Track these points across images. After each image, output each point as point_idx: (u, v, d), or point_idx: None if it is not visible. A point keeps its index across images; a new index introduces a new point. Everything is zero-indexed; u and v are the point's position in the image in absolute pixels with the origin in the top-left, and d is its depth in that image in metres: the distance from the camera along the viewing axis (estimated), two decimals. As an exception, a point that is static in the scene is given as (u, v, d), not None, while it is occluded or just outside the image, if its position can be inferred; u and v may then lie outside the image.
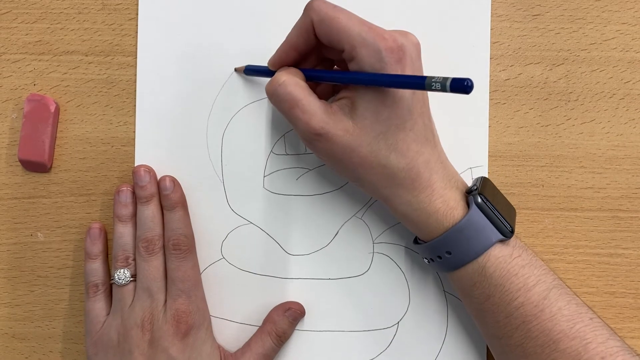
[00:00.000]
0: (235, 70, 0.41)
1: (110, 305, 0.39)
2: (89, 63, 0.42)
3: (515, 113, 0.42)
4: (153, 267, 0.38)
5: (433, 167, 0.35)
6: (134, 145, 0.41)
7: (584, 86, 0.42)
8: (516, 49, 0.42)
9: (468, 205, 0.35)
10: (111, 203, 0.41)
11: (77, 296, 0.42)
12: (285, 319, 0.40)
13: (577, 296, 0.35)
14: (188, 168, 0.41)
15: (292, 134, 0.41)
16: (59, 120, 0.42)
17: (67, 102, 0.42)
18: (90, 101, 0.42)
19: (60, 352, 0.42)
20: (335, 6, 0.34)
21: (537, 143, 0.42)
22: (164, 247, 0.39)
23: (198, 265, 0.40)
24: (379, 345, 0.41)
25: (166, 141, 0.41)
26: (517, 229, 0.41)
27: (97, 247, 0.40)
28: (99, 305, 0.39)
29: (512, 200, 0.41)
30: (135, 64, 0.42)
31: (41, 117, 0.41)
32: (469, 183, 0.38)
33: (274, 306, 0.41)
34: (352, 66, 0.34)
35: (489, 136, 0.42)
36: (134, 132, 0.41)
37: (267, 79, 0.36)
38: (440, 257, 0.36)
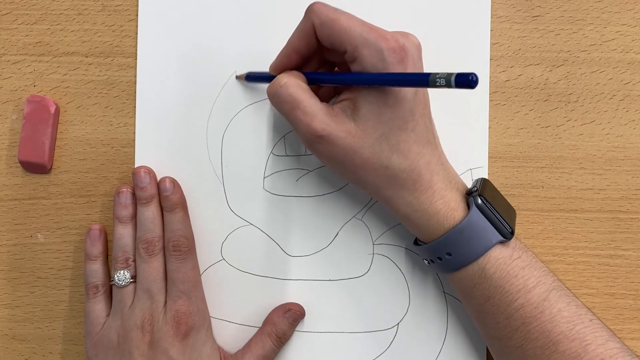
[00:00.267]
0: (237, 78, 0.41)
1: (110, 307, 0.39)
2: (89, 64, 0.42)
3: (515, 114, 0.42)
4: (153, 268, 0.38)
5: (434, 169, 0.35)
6: (134, 146, 0.41)
7: (583, 87, 0.42)
8: (516, 50, 0.42)
9: (468, 206, 0.35)
10: (111, 204, 0.41)
11: (77, 297, 0.42)
12: (285, 320, 0.40)
13: (577, 298, 0.35)
14: (188, 169, 0.41)
15: (292, 135, 0.41)
16: (59, 122, 0.42)
17: (67, 103, 0.42)
18: (90, 102, 0.42)
19: (60, 353, 0.42)
20: (335, 9, 0.34)
21: (537, 144, 0.42)
22: (164, 248, 0.39)
23: (198, 267, 0.40)
24: (379, 347, 0.41)
25: (166, 142, 0.41)
26: (517, 230, 0.41)
27: (97, 249, 0.40)
28: (99, 306, 0.39)
29: (512, 202, 0.41)
30: (135, 65, 0.42)
31: (41, 119, 0.41)
32: (469, 184, 0.38)
33: (274, 307, 0.41)
34: (354, 67, 0.34)
35: (489, 137, 0.42)
36: (134, 133, 0.41)
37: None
38: (440, 259, 0.36)
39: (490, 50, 0.42)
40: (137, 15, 0.42)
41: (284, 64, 0.36)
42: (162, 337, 0.37)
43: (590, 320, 0.34)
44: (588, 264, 0.42)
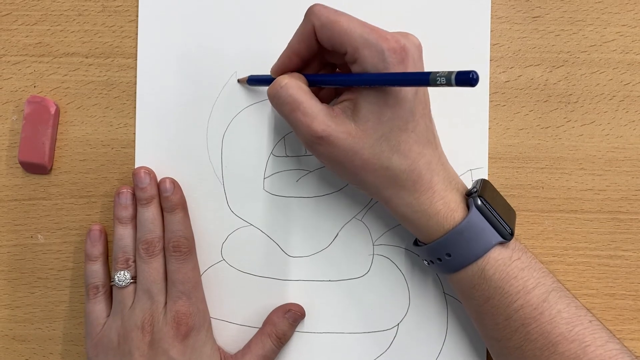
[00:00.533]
0: (238, 81, 0.41)
1: (111, 307, 0.39)
2: (89, 65, 0.42)
3: (515, 115, 0.42)
4: (153, 269, 0.38)
5: (434, 169, 0.35)
6: (134, 147, 0.41)
7: (583, 88, 0.42)
8: (516, 50, 0.42)
9: (468, 207, 0.35)
10: (111, 205, 0.41)
11: (78, 298, 0.42)
12: (285, 321, 0.40)
13: (577, 299, 0.35)
14: (188, 170, 0.41)
15: (292, 136, 0.41)
16: (59, 122, 0.42)
17: (67, 104, 0.42)
18: (90, 103, 0.42)
19: (61, 353, 0.42)
20: (335, 10, 0.34)
21: (537, 145, 0.42)
22: (164, 249, 0.39)
23: (198, 267, 0.40)
24: (379, 347, 0.41)
25: (166, 143, 0.41)
26: (517, 230, 0.41)
27: (97, 249, 0.40)
28: (99, 307, 0.39)
29: (512, 202, 0.41)
30: (136, 65, 0.42)
31: (41, 119, 0.41)
32: (469, 185, 0.38)
33: (274, 308, 0.41)
34: (355, 68, 0.34)
35: (489, 138, 0.42)
36: (134, 134, 0.41)
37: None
38: (440, 259, 0.36)
39: (490, 51, 0.42)
40: (137, 16, 0.42)
41: (285, 66, 0.37)
42: (162, 338, 0.37)
43: (590, 321, 0.34)
44: (588, 265, 0.42)
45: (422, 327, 0.41)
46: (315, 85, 0.36)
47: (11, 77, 0.42)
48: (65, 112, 0.42)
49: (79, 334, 0.42)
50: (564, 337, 0.33)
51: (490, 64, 0.42)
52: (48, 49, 0.42)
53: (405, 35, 0.34)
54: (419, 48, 0.34)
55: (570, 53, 0.42)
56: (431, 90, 0.36)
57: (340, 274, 0.41)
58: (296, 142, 0.41)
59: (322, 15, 0.34)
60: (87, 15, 0.42)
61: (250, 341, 0.40)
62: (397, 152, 0.34)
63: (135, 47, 0.42)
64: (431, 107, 0.36)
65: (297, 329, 0.41)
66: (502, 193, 0.38)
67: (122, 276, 0.38)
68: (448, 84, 0.29)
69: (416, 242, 0.38)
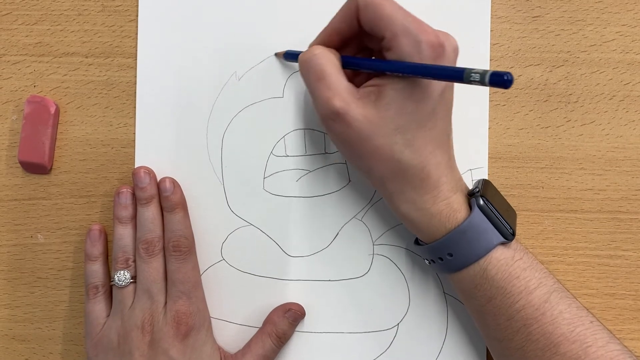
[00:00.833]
0: (275, 55, 0.40)
1: (111, 307, 0.39)
2: (89, 65, 0.42)
3: (515, 115, 0.42)
4: (153, 268, 0.38)
5: (443, 171, 0.35)
6: (134, 146, 0.41)
7: (583, 88, 0.42)
8: (516, 50, 0.42)
9: (470, 207, 0.35)
10: (111, 205, 0.41)
11: (77, 298, 0.42)
12: (285, 320, 0.40)
13: (577, 299, 0.35)
14: (188, 169, 0.41)
15: (292, 136, 0.41)
16: (59, 122, 0.42)
17: (67, 103, 0.42)
18: (90, 103, 0.42)
19: (61, 353, 0.42)
20: None
21: (537, 145, 0.42)
22: (164, 248, 0.39)
23: (198, 267, 0.40)
24: (379, 347, 0.41)
25: (166, 143, 0.41)
26: (517, 230, 0.41)
27: (97, 249, 0.40)
28: (99, 306, 0.39)
29: (512, 202, 0.41)
30: (135, 65, 0.42)
31: (41, 119, 0.41)
32: (470, 185, 0.38)
33: (274, 307, 0.41)
34: (389, 55, 0.34)
35: (489, 138, 0.42)
36: (134, 133, 0.41)
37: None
38: (441, 259, 0.36)
39: (490, 51, 0.42)
40: (137, 15, 0.42)
41: (323, 43, 0.36)
42: (162, 338, 0.37)
43: (591, 322, 0.34)
44: (588, 265, 0.42)
45: (422, 326, 0.41)
46: (349, 68, 0.36)
47: (11, 77, 0.42)
48: (65, 111, 0.42)
49: (79, 333, 0.42)
50: (566, 337, 0.33)
51: (490, 64, 0.42)
52: (48, 49, 0.42)
53: (446, 34, 0.34)
54: (455, 51, 0.34)
55: (570, 53, 0.42)
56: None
57: (340, 273, 0.41)
58: (296, 142, 0.41)
59: None
60: (87, 15, 0.42)
61: (250, 341, 0.40)
62: (410, 147, 0.34)
63: (135, 46, 0.42)
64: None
65: (297, 329, 0.41)
66: (502, 193, 0.38)
67: (122, 276, 0.38)
68: (481, 82, 0.28)
69: (417, 241, 0.38)
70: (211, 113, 0.41)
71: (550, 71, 0.42)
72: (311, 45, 0.37)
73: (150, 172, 0.40)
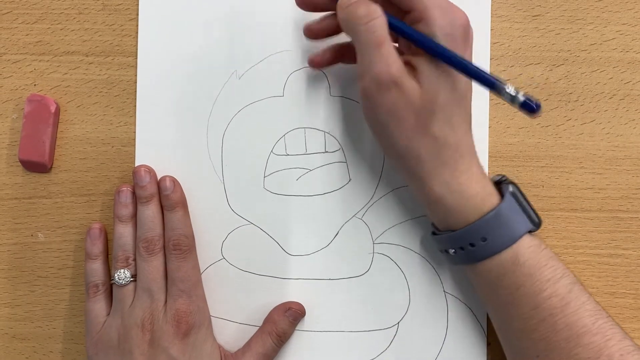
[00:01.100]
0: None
1: (111, 306, 0.39)
2: (90, 63, 0.42)
3: (515, 114, 0.42)
4: (153, 267, 0.38)
5: (473, 153, 0.35)
6: (134, 145, 0.41)
7: (584, 87, 0.42)
8: (516, 49, 0.42)
9: (502, 193, 0.35)
10: (111, 203, 0.41)
11: (78, 296, 0.42)
12: (286, 319, 0.40)
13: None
14: (188, 168, 0.41)
15: (292, 134, 0.41)
16: (60, 121, 0.42)
17: (68, 102, 0.42)
18: (90, 101, 0.42)
19: (61, 352, 0.42)
20: None
21: (537, 144, 0.42)
22: (164, 247, 0.39)
23: (198, 265, 0.40)
24: (379, 346, 0.41)
25: (166, 141, 0.41)
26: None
27: (97, 248, 0.40)
28: (99, 305, 0.39)
29: (512, 201, 0.41)
30: (136, 64, 0.42)
31: (41, 118, 0.41)
32: None
33: (274, 306, 0.41)
34: (420, 27, 0.34)
35: (489, 137, 0.42)
36: (135, 132, 0.41)
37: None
38: (472, 245, 0.35)
39: (491, 50, 0.42)
40: (137, 14, 0.42)
41: None
42: (162, 336, 0.37)
43: (607, 316, 0.34)
44: (588, 263, 0.42)
45: (422, 325, 0.41)
46: (393, 30, 0.34)
47: (11, 76, 0.42)
48: (66, 110, 0.42)
49: (79, 332, 0.42)
50: (588, 329, 0.33)
51: (491, 63, 0.42)
52: (48, 48, 0.42)
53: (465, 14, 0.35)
54: (471, 30, 0.35)
55: (570, 52, 0.42)
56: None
57: (340, 272, 0.41)
58: (297, 141, 0.41)
59: None
60: (87, 14, 0.42)
61: (251, 339, 0.40)
62: (449, 125, 0.34)
63: (136, 45, 0.42)
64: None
65: (297, 328, 0.41)
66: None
67: (122, 274, 0.38)
68: (510, 100, 0.30)
69: (435, 232, 0.38)
70: (211, 112, 0.41)
71: (551, 70, 0.42)
72: None
73: (150, 171, 0.40)
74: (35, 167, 0.41)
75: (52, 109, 0.41)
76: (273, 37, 0.41)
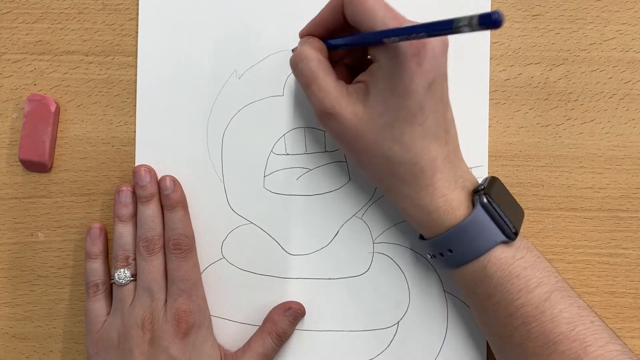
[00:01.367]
0: (292, 51, 0.40)
1: (111, 305, 0.39)
2: (90, 63, 0.42)
3: (515, 113, 0.42)
4: (153, 266, 0.38)
5: (439, 166, 0.35)
6: (134, 145, 0.41)
7: (583, 86, 0.42)
8: (516, 49, 0.42)
9: (473, 204, 0.35)
10: (111, 203, 0.41)
11: (78, 296, 0.42)
12: (286, 319, 0.40)
13: (580, 298, 0.35)
14: (188, 168, 0.41)
15: (292, 134, 0.41)
16: (60, 120, 0.42)
17: (68, 102, 0.42)
18: (90, 101, 0.42)
19: (61, 351, 0.42)
20: None
21: (537, 143, 0.42)
22: (164, 246, 0.39)
23: (198, 265, 0.40)
24: (379, 345, 0.41)
25: (167, 141, 0.41)
26: (517, 228, 0.41)
27: (97, 247, 0.40)
28: (99, 304, 0.39)
29: (512, 200, 0.41)
30: (136, 64, 0.42)
31: (42, 117, 0.41)
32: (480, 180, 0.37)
33: (274, 306, 0.41)
34: (370, 51, 0.34)
35: (489, 136, 0.42)
36: (135, 132, 0.41)
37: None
38: (442, 254, 0.36)
39: (490, 49, 0.42)
40: (137, 14, 0.42)
41: (311, 33, 0.37)
42: (162, 336, 0.37)
43: (592, 322, 0.34)
44: (588, 263, 0.42)
45: (422, 325, 0.41)
46: (335, 49, 0.37)
47: (11, 75, 0.42)
48: (66, 110, 0.42)
49: (79, 331, 0.42)
50: (565, 336, 0.33)
51: (491, 62, 0.42)
52: (48, 47, 0.42)
53: None
54: (443, 42, 0.34)
55: (570, 51, 0.42)
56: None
57: (340, 271, 0.41)
58: (296, 140, 0.41)
59: None
60: (87, 14, 0.42)
61: (251, 339, 0.40)
62: (399, 143, 0.34)
63: (136, 45, 0.42)
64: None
65: (297, 327, 0.41)
66: (502, 191, 0.38)
67: (122, 274, 0.38)
68: (471, 27, 0.27)
69: (421, 236, 0.38)
70: (211, 111, 0.41)
71: (550, 69, 0.42)
72: (300, 33, 0.38)
73: (150, 171, 0.40)
74: (35, 166, 0.41)
75: (52, 108, 0.41)
76: (273, 37, 0.41)
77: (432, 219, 0.35)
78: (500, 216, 0.34)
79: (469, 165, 0.41)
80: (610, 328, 0.34)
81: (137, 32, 0.42)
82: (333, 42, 0.36)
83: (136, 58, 0.42)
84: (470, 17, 0.27)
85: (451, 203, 0.35)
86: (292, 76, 0.41)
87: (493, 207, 0.34)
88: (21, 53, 0.42)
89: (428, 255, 0.38)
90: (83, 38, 0.42)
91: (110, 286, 0.40)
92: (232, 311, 0.41)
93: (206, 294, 0.40)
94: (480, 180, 0.37)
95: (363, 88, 0.35)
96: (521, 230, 0.41)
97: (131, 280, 0.39)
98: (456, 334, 0.41)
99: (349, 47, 0.36)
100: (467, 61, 0.41)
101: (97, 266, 0.40)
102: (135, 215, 0.40)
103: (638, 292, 0.42)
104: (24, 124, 0.41)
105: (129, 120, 0.42)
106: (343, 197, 0.41)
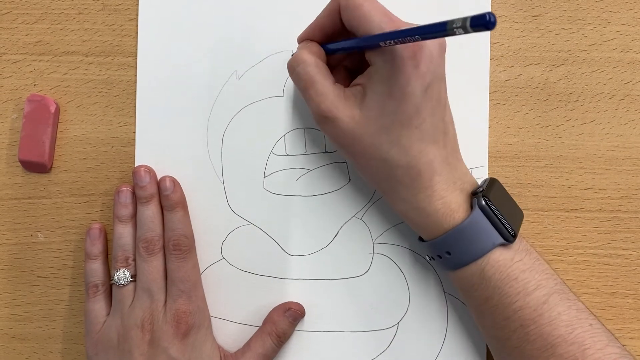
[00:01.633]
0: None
1: (110, 306, 0.39)
2: (89, 63, 0.42)
3: (515, 114, 0.42)
4: (153, 267, 0.38)
5: (437, 169, 0.35)
6: (134, 145, 0.41)
7: (584, 87, 0.42)
8: (516, 49, 0.42)
9: (472, 207, 0.35)
10: (111, 203, 0.41)
11: (77, 296, 0.42)
12: (285, 319, 0.40)
13: (580, 301, 0.35)
14: (188, 168, 0.41)
15: (292, 134, 0.41)
16: (59, 121, 0.42)
17: (67, 102, 0.42)
18: (90, 102, 0.42)
19: (60, 352, 0.42)
20: None
21: (537, 144, 0.42)
22: (164, 247, 0.39)
23: (198, 266, 0.40)
24: (379, 346, 0.41)
25: (166, 142, 0.41)
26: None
27: (97, 248, 0.40)
28: (98, 305, 0.39)
29: (512, 201, 0.41)
30: (136, 64, 0.42)
31: (41, 118, 0.41)
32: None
33: (274, 306, 0.41)
34: (367, 55, 0.34)
35: (489, 137, 0.42)
36: (134, 132, 0.41)
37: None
38: (440, 257, 0.36)
39: (491, 50, 0.42)
40: (137, 14, 0.42)
41: (309, 37, 0.37)
42: (162, 336, 0.37)
43: (590, 324, 0.34)
44: (588, 264, 0.42)
45: (422, 326, 0.41)
46: (333, 53, 0.37)
47: (11, 76, 0.42)
48: (65, 110, 0.42)
49: (79, 332, 0.42)
50: (563, 339, 0.33)
51: (491, 63, 0.42)
52: (48, 48, 0.42)
53: None
54: (440, 45, 0.34)
55: (570, 52, 0.42)
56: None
57: (340, 272, 0.41)
58: (296, 141, 0.41)
59: None
60: (87, 14, 0.42)
61: (250, 340, 0.40)
62: (397, 146, 0.34)
63: (135, 45, 0.42)
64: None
65: (297, 328, 0.41)
66: (502, 192, 0.38)
67: (122, 275, 0.38)
68: (464, 30, 0.27)
69: (421, 238, 0.38)
70: (211, 112, 0.41)
71: (551, 70, 0.42)
72: (298, 38, 0.38)
73: (150, 171, 0.40)
74: (35, 167, 0.41)
75: (52, 109, 0.41)
76: (273, 37, 0.41)
77: (430, 221, 0.35)
78: (499, 218, 0.34)
79: (468, 166, 0.41)
80: (609, 331, 0.34)
81: (136, 33, 0.42)
82: (331, 46, 0.37)
83: (136, 58, 0.42)
84: (464, 19, 0.27)
85: (449, 205, 0.35)
86: (292, 77, 0.41)
87: (491, 210, 0.34)
88: (21, 53, 0.42)
89: (427, 257, 0.38)
90: (83, 38, 0.42)
91: (109, 287, 0.40)
92: (231, 312, 0.41)
93: (206, 295, 0.40)
94: (479, 182, 0.37)
95: (360, 91, 0.35)
96: (521, 231, 0.41)
97: (131, 281, 0.39)
98: (456, 334, 0.41)
99: (347, 51, 0.36)
100: (467, 62, 0.41)
101: (96, 267, 0.40)
102: (135, 215, 0.40)
103: (638, 293, 0.42)
104: (24, 124, 0.41)
105: (129, 120, 0.42)
106: (343, 198, 0.41)
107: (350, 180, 0.41)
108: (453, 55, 0.41)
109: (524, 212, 0.41)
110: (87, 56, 0.42)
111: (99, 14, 0.42)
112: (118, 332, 0.38)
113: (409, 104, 0.33)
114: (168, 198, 0.39)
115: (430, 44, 0.33)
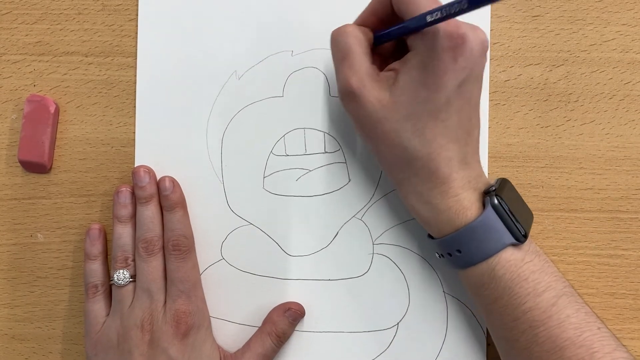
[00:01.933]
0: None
1: (110, 306, 0.39)
2: (89, 64, 0.42)
3: (515, 114, 0.42)
4: (152, 267, 0.38)
5: (454, 166, 0.34)
6: (133, 146, 0.41)
7: (583, 87, 0.42)
8: (516, 50, 0.42)
9: (484, 205, 0.35)
10: (111, 204, 0.41)
11: (77, 297, 0.42)
12: (285, 320, 0.40)
13: (587, 305, 0.34)
14: (188, 169, 0.41)
15: (292, 135, 0.41)
16: (59, 121, 0.42)
17: (67, 103, 0.42)
18: (90, 102, 0.42)
19: (60, 352, 0.42)
20: None
21: (536, 144, 0.42)
22: (163, 247, 0.39)
23: (198, 266, 0.40)
24: (379, 346, 0.41)
25: (166, 142, 0.41)
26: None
27: (96, 248, 0.40)
28: (98, 306, 0.39)
29: (512, 201, 0.40)
30: (135, 64, 0.42)
31: (41, 118, 0.41)
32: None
33: (274, 307, 0.41)
34: (409, 40, 0.34)
35: (489, 137, 0.42)
36: (134, 133, 0.41)
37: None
38: (450, 254, 0.35)
39: (490, 50, 0.42)
40: (137, 14, 0.42)
41: (362, 23, 0.36)
42: (161, 337, 0.37)
43: (599, 328, 0.33)
44: (588, 264, 0.42)
45: (422, 326, 0.41)
46: (383, 41, 0.36)
47: (11, 76, 0.42)
48: (65, 111, 0.42)
49: (79, 333, 0.42)
50: (572, 342, 0.33)
51: (490, 63, 0.42)
52: (48, 48, 0.42)
53: (474, 27, 0.33)
54: (483, 43, 0.33)
55: (570, 52, 0.42)
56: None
57: (340, 273, 0.41)
58: (296, 141, 0.41)
59: None
60: (86, 14, 0.42)
61: (250, 340, 0.40)
62: (420, 137, 0.34)
63: (135, 46, 0.42)
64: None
65: (296, 328, 0.41)
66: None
67: (122, 275, 0.38)
68: (463, 10, 0.28)
69: (430, 235, 0.38)
70: (211, 112, 0.41)
71: (550, 70, 0.42)
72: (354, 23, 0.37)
73: (149, 171, 0.40)
74: (35, 167, 0.41)
75: (52, 109, 0.41)
76: (273, 37, 0.41)
77: (441, 218, 0.35)
78: (511, 218, 0.34)
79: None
80: (614, 335, 0.34)
81: (136, 33, 0.42)
82: (377, 34, 0.36)
83: (136, 59, 0.42)
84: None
85: (462, 203, 0.34)
86: (292, 77, 0.41)
87: (503, 209, 0.34)
88: (21, 54, 0.42)
89: (436, 254, 0.37)
90: (82, 39, 0.42)
91: (109, 287, 0.40)
92: (231, 312, 0.41)
93: (206, 295, 0.40)
94: (492, 182, 0.37)
95: (393, 76, 0.34)
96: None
97: (130, 281, 0.38)
98: (456, 335, 0.41)
99: (393, 37, 0.36)
100: (467, 62, 0.41)
101: (96, 267, 0.40)
102: (134, 216, 0.40)
103: (638, 293, 0.41)
104: (24, 124, 0.41)
105: (129, 121, 0.42)
106: (343, 198, 0.41)
107: (350, 180, 0.41)
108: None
109: (524, 212, 0.41)
110: (86, 56, 0.42)
111: (98, 14, 0.42)
112: (118, 333, 0.38)
113: (441, 95, 0.33)
114: (167, 198, 0.39)
115: (473, 41, 0.33)
